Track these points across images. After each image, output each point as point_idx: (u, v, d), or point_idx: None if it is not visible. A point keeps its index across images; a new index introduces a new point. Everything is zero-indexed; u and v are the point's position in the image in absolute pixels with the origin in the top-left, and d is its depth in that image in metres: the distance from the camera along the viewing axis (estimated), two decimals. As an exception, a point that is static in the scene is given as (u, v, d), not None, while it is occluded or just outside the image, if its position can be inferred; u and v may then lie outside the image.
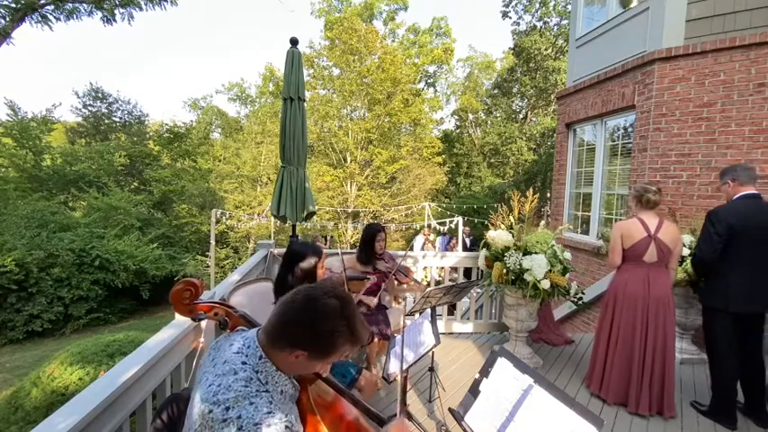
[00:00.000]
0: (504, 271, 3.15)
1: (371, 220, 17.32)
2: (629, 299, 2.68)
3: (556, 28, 20.18)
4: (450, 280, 4.22)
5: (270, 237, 15.39)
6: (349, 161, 19.01)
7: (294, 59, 3.64)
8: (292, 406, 1.05)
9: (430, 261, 4.29)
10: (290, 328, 0.98)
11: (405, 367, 2.03)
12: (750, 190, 2.55)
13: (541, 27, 20.27)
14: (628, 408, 2.69)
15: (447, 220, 12.91)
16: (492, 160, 23.29)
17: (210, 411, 0.89)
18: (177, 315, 1.94)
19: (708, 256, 2.54)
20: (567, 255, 3.21)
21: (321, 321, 0.97)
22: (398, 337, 2.41)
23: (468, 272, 4.39)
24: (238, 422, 0.86)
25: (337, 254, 3.13)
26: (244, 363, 0.97)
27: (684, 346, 3.62)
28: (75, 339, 8.16)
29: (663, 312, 2.63)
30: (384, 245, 3.16)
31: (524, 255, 3.11)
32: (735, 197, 2.58)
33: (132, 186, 17.21)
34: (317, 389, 1.25)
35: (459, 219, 12.18)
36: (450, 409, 1.43)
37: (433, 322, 2.22)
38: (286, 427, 0.91)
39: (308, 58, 18.34)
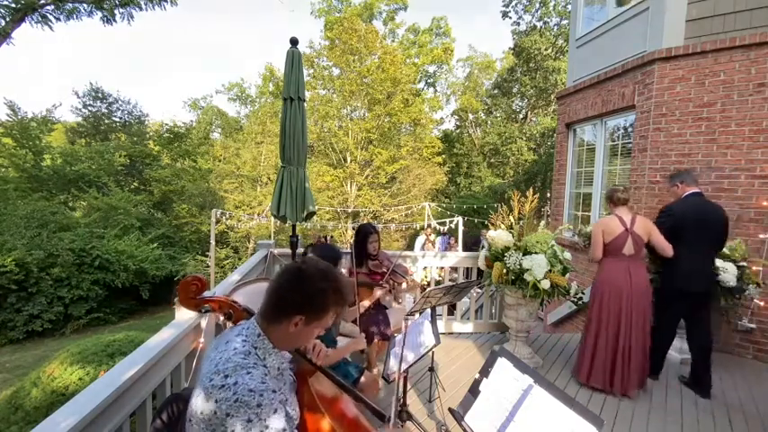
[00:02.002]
0: (504, 271, 3.15)
1: (371, 220, 17.32)
2: (615, 291, 2.90)
3: (556, 28, 20.18)
4: (450, 280, 4.22)
5: (270, 237, 15.37)
6: (349, 161, 19.01)
7: (294, 59, 3.63)
8: (290, 391, 1.11)
9: (430, 261, 4.29)
10: (285, 299, 1.08)
11: (405, 367, 2.03)
12: (695, 189, 3.05)
13: (541, 27, 20.26)
14: (614, 390, 2.90)
15: (447, 220, 12.91)
16: (492, 160, 23.28)
17: (211, 380, 0.96)
18: (177, 315, 1.94)
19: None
20: (567, 255, 3.21)
21: (310, 283, 1.08)
22: (398, 337, 2.41)
23: (468, 272, 4.39)
24: (234, 388, 0.93)
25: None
26: (244, 340, 1.06)
27: (684, 346, 3.61)
28: (75, 339, 8.15)
29: (644, 300, 2.91)
30: (378, 246, 3.13)
31: (524, 255, 3.11)
32: (684, 195, 3.06)
33: (132, 186, 17.20)
34: (318, 383, 1.26)
35: (459, 219, 12.18)
36: (450, 409, 1.43)
37: (433, 322, 2.22)
38: (280, 401, 0.97)
39: (308, 58, 18.33)
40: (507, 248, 3.23)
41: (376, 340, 2.83)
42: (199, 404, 0.95)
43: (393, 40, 25.44)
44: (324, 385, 1.28)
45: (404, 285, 3.25)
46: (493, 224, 3.51)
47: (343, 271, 3.05)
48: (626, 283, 2.87)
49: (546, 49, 19.99)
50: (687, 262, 2.91)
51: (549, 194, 11.35)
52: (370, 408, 1.25)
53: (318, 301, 1.09)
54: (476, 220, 14.63)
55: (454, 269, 4.25)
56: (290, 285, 1.09)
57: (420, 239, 10.81)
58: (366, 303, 2.83)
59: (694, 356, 3.06)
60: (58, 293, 9.94)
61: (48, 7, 8.37)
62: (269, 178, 18.84)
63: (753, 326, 3.67)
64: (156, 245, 12.88)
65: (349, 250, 3.20)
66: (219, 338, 1.14)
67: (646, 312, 2.91)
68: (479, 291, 4.56)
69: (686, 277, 2.93)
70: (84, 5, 8.55)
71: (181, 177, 17.27)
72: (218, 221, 13.20)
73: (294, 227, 3.88)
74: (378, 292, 2.84)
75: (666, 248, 2.90)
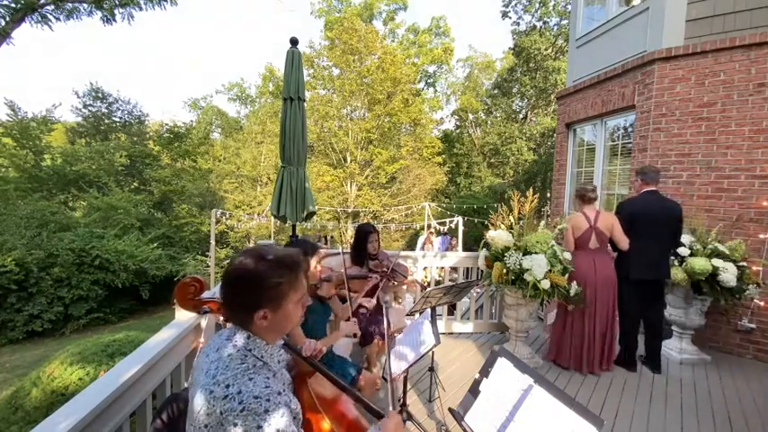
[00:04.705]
0: (504, 271, 3.15)
1: (371, 220, 17.32)
2: (581, 280, 3.17)
3: (556, 28, 20.18)
4: (450, 280, 4.22)
5: (270, 237, 15.39)
6: (349, 161, 19.00)
7: (294, 59, 3.64)
8: (288, 388, 1.09)
9: (430, 261, 4.29)
10: (237, 302, 1.04)
11: (405, 367, 2.03)
12: (651, 188, 3.31)
13: (541, 27, 20.25)
14: (581, 370, 3.23)
15: (447, 220, 12.92)
16: (492, 160, 23.27)
17: (212, 392, 0.92)
18: (177, 315, 1.94)
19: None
20: (567, 255, 3.21)
21: (246, 280, 1.01)
22: (398, 336, 2.41)
23: (468, 272, 4.39)
24: (239, 397, 0.90)
25: (338, 253, 3.13)
26: (235, 345, 1.02)
27: (684, 346, 3.62)
28: (75, 339, 8.15)
29: (608, 289, 3.22)
30: (378, 245, 3.13)
31: (524, 255, 3.11)
32: (641, 192, 3.35)
33: (132, 186, 17.17)
34: (317, 383, 1.26)
35: (459, 219, 12.19)
36: (450, 409, 1.43)
37: (433, 322, 2.22)
38: (284, 403, 0.94)
39: (308, 58, 18.32)
40: (507, 248, 3.23)
41: (376, 340, 2.83)
42: (201, 417, 0.92)
43: (393, 40, 25.43)
44: (323, 386, 1.27)
45: (404, 288, 3.25)
46: (493, 224, 3.51)
47: (335, 264, 3.02)
48: (591, 273, 3.19)
49: (546, 49, 19.98)
50: (637, 253, 3.20)
51: (549, 194, 11.35)
52: (369, 408, 1.25)
53: (269, 289, 1.01)
54: (476, 220, 14.63)
55: (454, 269, 4.25)
56: (230, 292, 1.04)
57: (422, 238, 11.07)
58: (363, 302, 2.77)
59: (647, 336, 3.40)
60: (58, 293, 9.93)
61: (48, 7, 8.38)
62: (269, 178, 18.84)
63: (753, 326, 3.68)
64: (156, 245, 12.86)
65: (347, 250, 3.19)
66: (210, 345, 1.09)
67: (610, 299, 3.23)
68: (479, 291, 4.56)
69: (636, 267, 3.22)
70: (84, 5, 8.55)
71: (181, 177, 17.26)
72: (218, 221, 13.20)
73: (294, 227, 3.88)
74: (371, 283, 2.80)
75: (621, 242, 3.22)
